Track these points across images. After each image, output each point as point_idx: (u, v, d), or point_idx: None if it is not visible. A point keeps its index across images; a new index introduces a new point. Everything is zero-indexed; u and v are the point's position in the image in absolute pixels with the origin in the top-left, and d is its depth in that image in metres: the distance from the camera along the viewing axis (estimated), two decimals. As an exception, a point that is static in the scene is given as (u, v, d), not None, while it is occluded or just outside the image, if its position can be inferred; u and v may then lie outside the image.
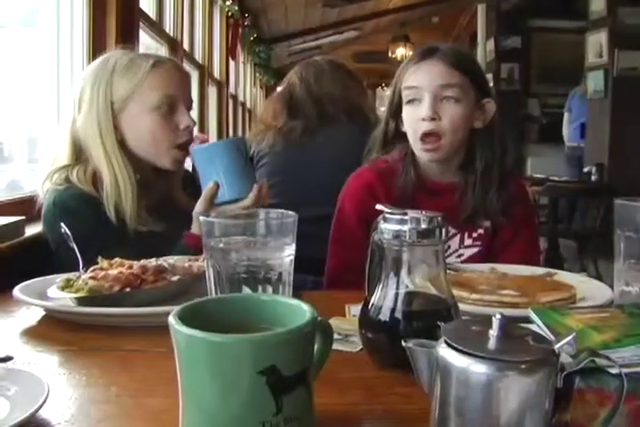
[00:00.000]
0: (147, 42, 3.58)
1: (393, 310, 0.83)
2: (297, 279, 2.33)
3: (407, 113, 1.54)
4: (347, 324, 1.04)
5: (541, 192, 5.27)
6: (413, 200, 1.55)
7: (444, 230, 0.80)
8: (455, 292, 1.08)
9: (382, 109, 1.67)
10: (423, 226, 0.78)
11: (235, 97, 7.32)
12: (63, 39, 2.38)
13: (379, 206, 0.88)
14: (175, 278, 1.08)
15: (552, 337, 0.73)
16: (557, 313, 0.78)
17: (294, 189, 2.34)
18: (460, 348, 0.56)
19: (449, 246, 1.59)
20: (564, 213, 5.77)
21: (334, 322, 1.06)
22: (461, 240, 1.60)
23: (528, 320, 1.00)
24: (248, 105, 9.12)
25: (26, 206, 1.67)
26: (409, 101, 1.52)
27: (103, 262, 1.13)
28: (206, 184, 1.40)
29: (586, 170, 5.96)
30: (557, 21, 8.56)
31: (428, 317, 0.82)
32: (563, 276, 1.25)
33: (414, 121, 1.51)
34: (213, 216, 0.81)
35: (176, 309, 0.60)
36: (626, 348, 0.71)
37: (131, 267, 1.07)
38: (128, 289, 1.03)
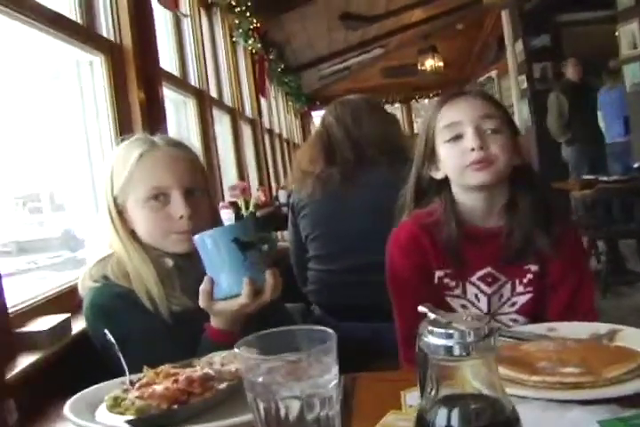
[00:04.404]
0: (173, 97, 3.60)
1: (449, 418, 0.78)
2: (349, 327, 2.28)
3: (449, 150, 1.49)
4: (404, 420, 0.99)
5: (594, 195, 5.11)
6: (459, 249, 1.52)
7: (493, 339, 0.74)
8: (514, 374, 1.03)
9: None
10: (469, 339, 0.73)
11: (270, 131, 7.34)
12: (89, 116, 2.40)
13: (420, 308, 0.84)
14: (223, 386, 1.05)
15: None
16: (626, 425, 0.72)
17: (336, 239, 2.30)
18: None
19: (501, 295, 1.55)
20: (619, 213, 5.60)
21: (390, 419, 1.01)
22: (513, 288, 1.56)
23: (592, 402, 0.94)
24: (285, 135, 9.15)
25: (67, 300, 1.67)
26: (450, 140, 1.48)
27: (149, 373, 1.11)
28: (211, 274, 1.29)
29: (636, 166, 5.78)
30: (584, 13, 8.37)
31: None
32: (628, 334, 1.18)
33: (460, 155, 1.46)
34: (249, 352, 0.75)
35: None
36: None
37: (177, 380, 1.04)
38: (176, 406, 1.00)
